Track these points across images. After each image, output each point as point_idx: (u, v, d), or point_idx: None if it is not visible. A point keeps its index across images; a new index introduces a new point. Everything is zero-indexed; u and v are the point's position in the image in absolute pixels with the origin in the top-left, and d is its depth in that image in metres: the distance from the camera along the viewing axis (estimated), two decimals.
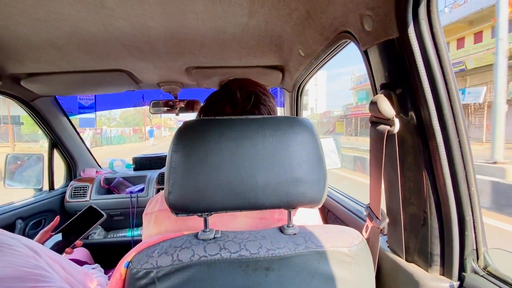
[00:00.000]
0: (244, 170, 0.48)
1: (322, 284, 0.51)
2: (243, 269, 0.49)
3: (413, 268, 0.60)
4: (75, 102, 1.99)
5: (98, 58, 1.14)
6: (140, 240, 0.59)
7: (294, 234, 0.54)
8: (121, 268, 0.51)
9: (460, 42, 17.03)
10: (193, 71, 1.34)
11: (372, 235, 0.65)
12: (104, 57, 1.13)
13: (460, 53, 16.09)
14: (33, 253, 0.69)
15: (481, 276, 0.53)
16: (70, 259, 1.13)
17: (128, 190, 1.95)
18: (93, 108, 2.08)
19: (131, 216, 1.88)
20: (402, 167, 0.59)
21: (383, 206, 0.65)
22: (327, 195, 1.27)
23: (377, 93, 0.60)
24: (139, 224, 1.91)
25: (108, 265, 1.39)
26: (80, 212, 1.19)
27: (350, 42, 0.76)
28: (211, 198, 0.49)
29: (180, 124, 0.53)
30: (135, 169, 2.19)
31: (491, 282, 0.51)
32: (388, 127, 0.56)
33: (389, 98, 0.56)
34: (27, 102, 1.58)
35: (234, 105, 0.66)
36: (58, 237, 1.12)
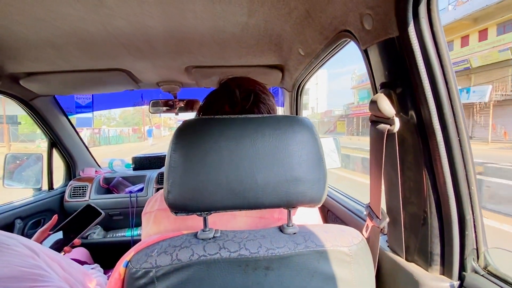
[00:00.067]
0: (243, 169, 0.48)
1: (322, 284, 0.51)
2: (242, 268, 0.49)
3: (413, 268, 0.59)
4: (72, 102, 1.98)
5: (97, 57, 1.13)
6: (140, 240, 0.58)
7: (294, 233, 0.53)
8: (120, 267, 0.51)
9: (464, 40, 16.92)
10: (193, 71, 1.34)
11: (372, 234, 0.65)
12: (103, 57, 1.13)
13: (465, 51, 15.97)
14: (31, 252, 0.69)
15: (482, 275, 0.53)
16: (70, 259, 1.13)
17: (127, 189, 1.95)
18: (90, 107, 2.07)
19: (131, 216, 1.88)
20: (402, 166, 0.59)
21: (383, 205, 0.65)
22: (327, 195, 1.27)
23: (377, 92, 0.60)
24: (138, 224, 1.91)
25: (107, 265, 1.38)
26: (78, 210, 1.18)
27: (350, 41, 0.76)
28: (210, 198, 0.49)
29: (180, 124, 0.53)
30: (134, 169, 2.19)
31: (492, 281, 0.50)
32: (388, 126, 0.56)
33: (389, 97, 0.56)
34: (26, 101, 1.58)
35: (233, 104, 0.66)
36: (57, 236, 1.12)
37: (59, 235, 1.13)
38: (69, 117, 1.93)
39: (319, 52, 0.94)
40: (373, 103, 0.57)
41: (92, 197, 1.87)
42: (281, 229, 0.55)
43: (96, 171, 2.10)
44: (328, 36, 0.81)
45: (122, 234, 1.93)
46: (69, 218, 1.16)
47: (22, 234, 1.53)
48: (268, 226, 0.59)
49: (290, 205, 0.52)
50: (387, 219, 0.62)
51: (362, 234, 0.58)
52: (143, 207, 0.73)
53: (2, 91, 1.38)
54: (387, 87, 0.57)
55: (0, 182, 1.80)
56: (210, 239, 0.51)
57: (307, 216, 0.68)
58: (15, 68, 1.21)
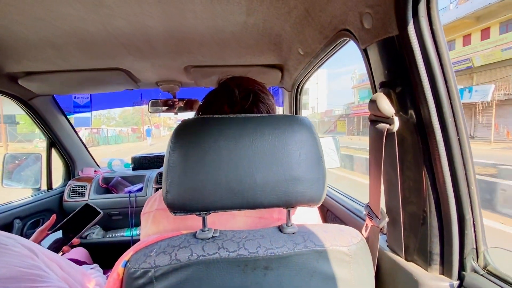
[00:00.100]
0: (242, 169, 0.48)
1: (321, 284, 0.51)
2: (241, 268, 0.49)
3: (413, 267, 0.59)
4: (70, 101, 1.97)
5: (97, 57, 1.13)
6: (139, 240, 0.58)
7: (293, 233, 0.53)
8: (118, 267, 0.51)
9: (466, 39, 16.80)
10: (192, 70, 1.34)
11: (372, 234, 0.65)
12: (102, 56, 1.13)
13: (467, 50, 15.85)
14: (30, 252, 0.68)
15: (481, 275, 0.53)
16: (69, 259, 1.12)
17: (126, 189, 1.95)
18: (88, 107, 2.06)
19: (130, 216, 1.87)
20: (402, 165, 0.58)
21: (382, 205, 0.64)
22: (327, 195, 1.27)
23: (376, 92, 0.60)
24: (138, 224, 1.90)
25: (107, 265, 1.38)
26: (76, 210, 1.18)
27: (349, 40, 0.76)
28: (209, 197, 0.48)
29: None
30: (133, 169, 2.18)
31: (491, 281, 0.50)
32: (387, 126, 0.56)
33: (389, 97, 0.56)
34: (25, 101, 1.57)
35: (232, 103, 0.65)
36: (56, 235, 1.11)
37: (58, 235, 1.12)
38: (67, 116, 1.93)
39: (319, 51, 0.93)
40: (373, 103, 0.57)
41: (91, 197, 1.86)
42: (280, 229, 0.55)
43: (95, 171, 2.10)
44: (327, 35, 0.81)
45: (122, 234, 1.93)
46: (67, 217, 1.16)
47: (21, 234, 1.53)
48: (267, 226, 0.59)
49: (289, 205, 0.52)
50: (387, 219, 0.62)
51: (362, 234, 0.58)
52: (143, 207, 0.73)
53: (0, 90, 1.38)
54: (387, 86, 0.57)
55: None
56: (209, 239, 0.51)
57: (306, 216, 0.68)
58: (14, 68, 1.21)
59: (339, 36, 0.76)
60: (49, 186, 1.86)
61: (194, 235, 0.52)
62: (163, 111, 1.74)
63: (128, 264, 0.49)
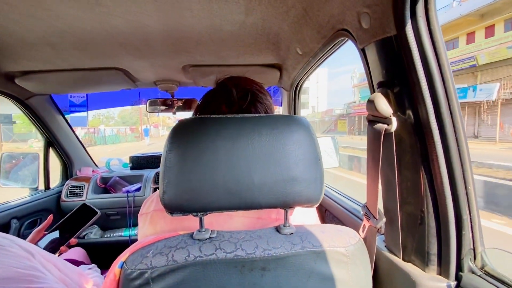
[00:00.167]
0: (240, 169, 0.48)
1: (319, 284, 0.51)
2: (238, 269, 0.49)
3: (410, 268, 0.59)
4: (66, 100, 1.95)
5: (94, 56, 1.13)
6: (137, 240, 0.58)
7: (291, 233, 0.53)
8: (115, 268, 0.50)
9: (470, 37, 16.56)
10: (190, 70, 1.33)
11: (369, 234, 0.65)
12: (99, 55, 1.12)
13: (471, 48, 15.60)
14: (26, 253, 0.68)
15: (478, 275, 0.53)
16: (66, 259, 1.12)
17: (124, 189, 1.94)
18: (84, 106, 2.04)
19: (128, 216, 1.87)
20: (400, 166, 0.58)
21: (380, 205, 0.64)
22: (325, 195, 1.27)
23: (374, 92, 0.60)
24: (136, 224, 1.90)
25: (105, 265, 1.37)
26: (73, 210, 1.18)
27: (347, 40, 0.76)
28: (206, 198, 0.48)
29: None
30: (132, 168, 2.18)
31: (488, 282, 0.50)
32: (385, 126, 0.56)
33: (387, 97, 0.56)
34: (22, 100, 1.56)
35: (230, 103, 0.65)
36: (53, 235, 1.11)
37: (55, 235, 1.12)
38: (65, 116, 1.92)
39: (317, 51, 0.93)
40: (371, 103, 0.57)
41: (89, 197, 1.86)
42: (277, 229, 0.54)
43: (93, 171, 2.09)
44: (325, 35, 0.80)
45: (120, 234, 1.92)
46: (65, 217, 1.15)
47: (18, 234, 1.52)
48: (265, 226, 0.59)
49: (286, 205, 0.52)
50: (384, 219, 0.62)
51: (359, 234, 0.58)
52: (141, 206, 0.73)
53: None
54: (385, 87, 0.57)
55: None
56: (206, 239, 0.51)
57: (304, 216, 0.68)
58: (11, 67, 1.20)
59: (337, 36, 0.75)
60: (47, 186, 1.86)
61: (191, 235, 0.52)
62: (162, 111, 1.74)
63: (124, 265, 0.49)
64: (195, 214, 0.51)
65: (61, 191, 1.87)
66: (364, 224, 0.67)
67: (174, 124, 0.52)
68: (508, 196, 5.44)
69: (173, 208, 0.49)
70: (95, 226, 1.94)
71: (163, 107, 1.72)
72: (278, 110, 1.89)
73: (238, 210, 0.51)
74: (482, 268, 0.54)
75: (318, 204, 0.54)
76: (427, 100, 0.50)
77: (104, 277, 1.14)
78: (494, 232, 3.75)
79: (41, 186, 1.83)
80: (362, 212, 0.69)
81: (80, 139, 2.08)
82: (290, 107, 1.61)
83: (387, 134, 0.56)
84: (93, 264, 1.31)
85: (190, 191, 0.48)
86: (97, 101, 2.11)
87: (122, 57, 1.15)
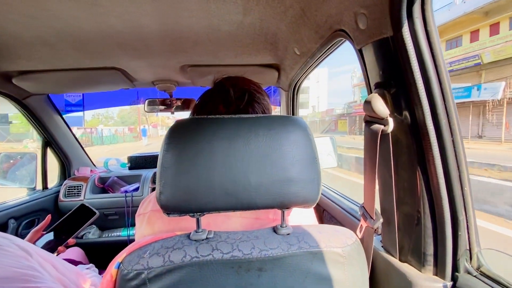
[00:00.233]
0: (236, 170, 0.48)
1: (315, 285, 0.51)
2: (235, 269, 0.49)
3: (407, 268, 0.59)
4: (61, 100, 1.93)
5: (91, 56, 1.12)
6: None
7: (288, 234, 0.53)
8: (111, 269, 0.50)
9: (474, 35, 16.30)
10: (188, 70, 1.33)
11: (366, 235, 0.65)
12: (97, 55, 1.12)
13: (475, 46, 15.32)
14: (24, 253, 0.68)
15: (474, 276, 0.53)
16: (64, 259, 1.12)
17: (122, 189, 1.94)
18: (80, 105, 2.03)
19: (126, 216, 1.87)
20: (396, 166, 0.59)
21: (377, 206, 0.65)
22: (323, 195, 1.27)
23: (372, 92, 0.60)
24: (134, 224, 1.89)
25: (103, 265, 1.37)
26: (72, 210, 1.17)
27: (345, 40, 0.76)
28: (203, 198, 0.48)
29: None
30: (130, 168, 2.18)
31: (484, 282, 0.51)
32: (382, 127, 0.56)
33: (383, 97, 0.56)
34: (19, 100, 1.56)
35: (227, 103, 0.65)
36: (50, 236, 1.11)
37: (53, 235, 1.12)
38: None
39: (315, 51, 0.93)
40: (367, 103, 0.57)
41: (87, 197, 1.86)
42: (275, 230, 0.54)
43: (91, 171, 2.09)
44: (323, 35, 0.80)
45: (118, 233, 1.92)
46: (63, 217, 1.15)
47: (16, 234, 1.52)
48: (263, 227, 0.59)
49: (283, 206, 0.52)
50: (381, 220, 0.62)
51: (356, 235, 0.58)
52: (138, 207, 0.72)
53: None
54: (382, 87, 0.57)
55: None
56: (203, 240, 0.51)
57: (302, 217, 0.68)
58: (8, 67, 1.20)
59: (335, 36, 0.75)
60: (45, 186, 1.85)
61: (188, 236, 0.52)
62: (160, 111, 1.73)
63: (121, 265, 0.49)
64: (192, 214, 0.51)
65: (59, 191, 1.87)
66: (361, 225, 0.67)
67: None
68: None
69: (170, 208, 0.49)
70: (93, 226, 1.93)
71: (161, 107, 1.72)
72: (278, 110, 1.89)
73: (235, 211, 0.51)
74: (478, 269, 0.54)
75: (315, 204, 0.54)
76: (424, 101, 0.50)
77: (102, 277, 1.14)
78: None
79: (39, 186, 1.82)
80: (359, 213, 0.69)
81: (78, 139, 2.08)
82: (289, 107, 1.61)
83: (384, 134, 0.57)
84: (91, 264, 1.31)
85: (187, 191, 0.48)
86: (94, 100, 2.10)
87: (120, 57, 1.15)
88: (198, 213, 0.51)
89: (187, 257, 0.48)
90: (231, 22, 0.86)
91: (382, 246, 0.69)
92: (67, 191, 1.86)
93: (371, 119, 0.60)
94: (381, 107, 0.55)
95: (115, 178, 2.03)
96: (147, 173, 2.02)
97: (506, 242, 3.52)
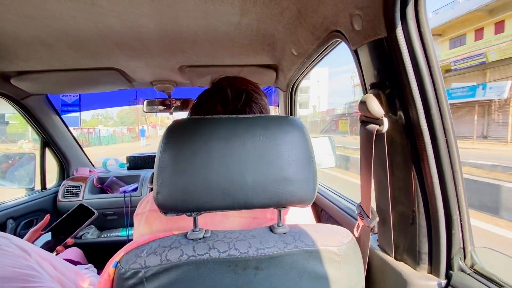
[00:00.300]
0: (233, 169, 0.48)
1: (311, 283, 0.51)
2: (232, 268, 0.49)
3: (402, 267, 0.60)
4: (57, 100, 1.92)
5: (90, 56, 1.13)
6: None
7: (284, 233, 0.54)
8: (109, 268, 0.51)
9: (479, 33, 16.04)
10: (186, 70, 1.34)
11: (363, 233, 0.66)
12: (95, 55, 1.12)
13: (480, 44, 15.05)
14: (23, 252, 0.68)
15: (468, 274, 0.53)
16: (63, 259, 1.12)
17: (121, 189, 1.94)
18: (77, 105, 2.02)
19: (125, 216, 1.87)
20: (391, 166, 0.59)
21: (373, 205, 0.65)
22: (321, 194, 1.28)
23: (367, 93, 0.61)
24: (133, 224, 1.89)
25: (101, 265, 1.36)
26: (70, 210, 1.18)
27: (341, 41, 0.76)
28: (200, 198, 0.49)
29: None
30: (129, 168, 2.18)
31: (478, 280, 0.51)
32: (377, 127, 0.57)
33: (378, 98, 0.57)
34: (18, 100, 1.56)
35: (225, 103, 0.66)
36: (48, 236, 1.11)
37: (51, 235, 1.12)
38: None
39: (312, 52, 0.94)
40: (363, 104, 0.58)
41: (86, 197, 1.86)
42: (271, 229, 0.55)
43: (90, 171, 2.09)
44: (319, 36, 0.81)
45: (117, 234, 1.92)
46: (62, 217, 1.15)
47: (14, 235, 1.51)
48: (261, 226, 0.59)
49: (280, 205, 0.53)
50: (377, 219, 0.63)
51: (353, 234, 0.59)
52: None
53: None
54: (376, 88, 0.58)
55: None
56: (200, 239, 0.51)
57: (299, 216, 0.69)
58: (6, 67, 1.20)
59: (331, 37, 0.76)
60: (43, 186, 1.85)
61: (185, 235, 0.53)
62: (159, 111, 1.73)
63: (118, 264, 0.49)
64: (189, 214, 0.51)
65: (57, 191, 1.87)
66: (358, 224, 0.67)
67: None
68: None
69: (167, 208, 0.50)
70: (92, 226, 1.93)
71: (160, 107, 1.72)
72: (278, 110, 1.90)
73: (232, 210, 0.52)
74: (471, 267, 0.54)
75: (311, 203, 0.55)
76: (417, 101, 0.51)
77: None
78: None
79: (38, 187, 1.82)
80: (356, 212, 0.69)
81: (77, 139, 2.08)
82: (287, 107, 1.62)
83: (379, 134, 0.57)
84: (89, 264, 1.31)
85: (184, 191, 0.48)
86: (92, 101, 2.09)
87: (118, 57, 1.15)
88: (195, 213, 0.51)
89: (184, 256, 0.48)
90: (229, 23, 0.87)
91: (378, 245, 0.70)
92: (66, 191, 1.86)
93: (367, 119, 0.61)
94: (376, 107, 0.56)
95: (114, 178, 2.03)
96: (145, 173, 2.02)
97: None
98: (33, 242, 1.06)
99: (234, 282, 0.49)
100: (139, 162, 2.18)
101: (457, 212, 0.53)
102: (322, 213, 1.26)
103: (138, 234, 0.67)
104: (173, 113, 1.77)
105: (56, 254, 1.06)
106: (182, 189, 0.48)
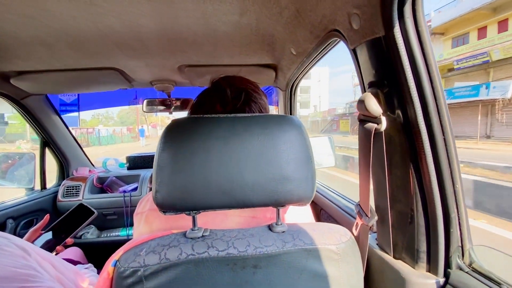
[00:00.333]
0: (232, 168, 0.48)
1: (310, 282, 0.51)
2: (230, 267, 0.49)
3: (400, 265, 0.60)
4: (56, 99, 1.91)
5: (89, 56, 1.13)
6: None
7: (283, 232, 0.54)
8: (108, 267, 0.51)
9: (482, 32, 15.90)
10: (186, 70, 1.34)
11: (362, 232, 0.66)
12: (95, 55, 1.13)
13: (483, 43, 14.93)
14: (23, 252, 0.68)
15: (466, 272, 0.54)
16: (63, 259, 1.12)
17: (121, 189, 1.94)
18: (75, 105, 2.02)
19: (125, 215, 1.87)
20: (390, 165, 0.59)
21: (372, 203, 0.65)
22: (320, 194, 1.28)
23: (365, 91, 0.61)
24: (132, 223, 1.90)
25: (101, 265, 1.36)
26: (70, 210, 1.18)
27: (340, 40, 0.77)
28: (198, 197, 0.49)
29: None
30: (128, 168, 2.18)
31: (476, 278, 0.51)
32: (375, 125, 0.57)
33: (377, 96, 0.57)
34: (17, 100, 1.56)
35: (224, 102, 0.66)
36: (48, 235, 1.11)
37: (51, 234, 1.12)
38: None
39: (311, 51, 0.94)
40: (361, 102, 0.58)
41: (86, 197, 1.86)
42: (270, 227, 0.55)
43: (90, 171, 2.09)
44: (318, 35, 0.81)
45: (116, 233, 1.92)
46: (61, 217, 1.15)
47: (14, 234, 1.51)
48: (260, 225, 0.59)
49: (278, 204, 0.53)
50: (376, 217, 0.63)
51: (352, 232, 0.59)
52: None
53: None
54: (375, 86, 0.58)
55: None
56: (198, 238, 0.51)
57: (299, 215, 0.69)
58: (6, 67, 1.20)
59: (330, 36, 0.76)
60: (43, 186, 1.85)
61: (184, 234, 0.53)
62: (158, 111, 1.74)
63: (118, 263, 0.49)
64: (188, 213, 0.51)
65: (57, 191, 1.87)
66: (357, 222, 0.68)
67: None
68: None
69: (166, 207, 0.50)
70: (92, 226, 1.93)
71: (159, 107, 1.72)
72: (278, 110, 1.90)
73: (230, 209, 0.52)
74: (469, 265, 0.55)
75: (310, 202, 0.55)
76: (415, 100, 0.51)
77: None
78: None
79: (38, 186, 1.83)
80: (355, 211, 0.69)
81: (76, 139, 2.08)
82: (286, 106, 1.62)
83: (377, 133, 0.57)
84: (89, 264, 1.31)
85: (183, 190, 0.48)
86: (91, 100, 2.09)
87: (117, 57, 1.15)
88: (194, 211, 0.51)
89: (183, 254, 0.48)
90: (228, 22, 0.87)
91: (377, 244, 0.70)
92: (66, 191, 1.87)
93: (365, 118, 0.61)
94: (374, 106, 0.56)
95: (114, 178, 2.03)
96: (145, 173, 2.02)
97: None
98: (33, 242, 1.07)
99: (232, 281, 0.49)
100: (139, 162, 2.19)
101: (455, 210, 0.53)
102: (322, 212, 1.26)
103: (138, 234, 0.67)
104: (173, 112, 1.77)
105: (56, 254, 1.06)
106: (181, 188, 0.48)
